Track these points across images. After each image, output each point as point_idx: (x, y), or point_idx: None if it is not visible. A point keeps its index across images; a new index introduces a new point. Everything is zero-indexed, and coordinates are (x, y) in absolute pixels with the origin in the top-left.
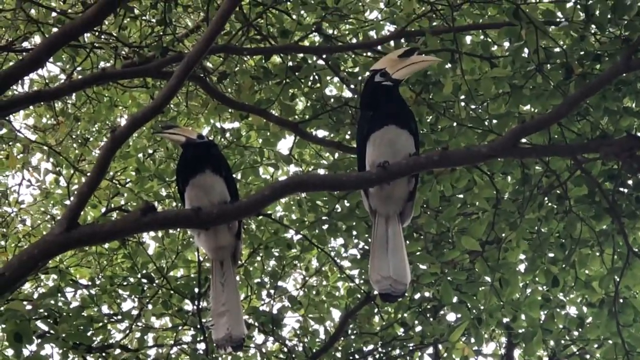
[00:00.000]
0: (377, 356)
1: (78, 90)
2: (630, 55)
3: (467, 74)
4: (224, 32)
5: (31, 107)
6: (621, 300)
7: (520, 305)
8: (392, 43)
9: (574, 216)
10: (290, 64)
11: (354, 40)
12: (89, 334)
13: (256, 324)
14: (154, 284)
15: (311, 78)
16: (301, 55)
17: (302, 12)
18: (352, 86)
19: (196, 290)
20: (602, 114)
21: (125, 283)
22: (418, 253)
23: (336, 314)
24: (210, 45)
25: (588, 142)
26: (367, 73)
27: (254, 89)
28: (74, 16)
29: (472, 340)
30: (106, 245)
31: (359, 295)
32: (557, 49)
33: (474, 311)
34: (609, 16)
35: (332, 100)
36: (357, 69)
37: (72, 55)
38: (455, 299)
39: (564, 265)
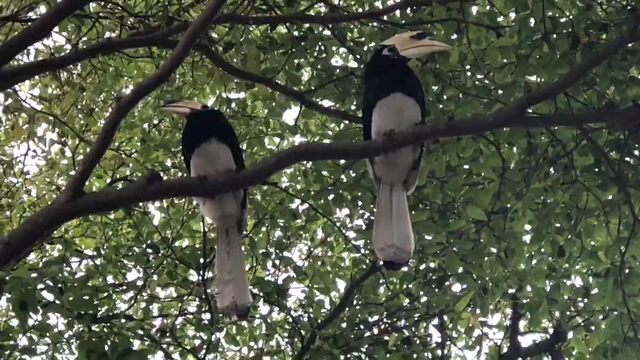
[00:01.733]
0: (382, 327)
1: (84, 60)
2: (636, 25)
3: (474, 44)
4: (230, 1)
5: (37, 77)
6: (627, 270)
7: (526, 275)
8: (397, 13)
9: (580, 186)
10: (296, 33)
11: (360, 10)
12: (94, 303)
13: (261, 294)
14: (159, 254)
15: (317, 48)
16: (307, 25)
17: None
18: (358, 56)
19: (201, 260)
20: (609, 84)
21: (130, 253)
22: (424, 223)
23: (341, 285)
24: (216, 15)
25: (595, 112)
26: (373, 44)
27: (260, 58)
28: None
29: (478, 310)
30: (111, 216)
31: (364, 266)
32: (564, 19)
33: (480, 281)
34: None
35: (338, 70)
36: (363, 39)
37: (77, 25)
38: (460, 269)
39: (569, 235)
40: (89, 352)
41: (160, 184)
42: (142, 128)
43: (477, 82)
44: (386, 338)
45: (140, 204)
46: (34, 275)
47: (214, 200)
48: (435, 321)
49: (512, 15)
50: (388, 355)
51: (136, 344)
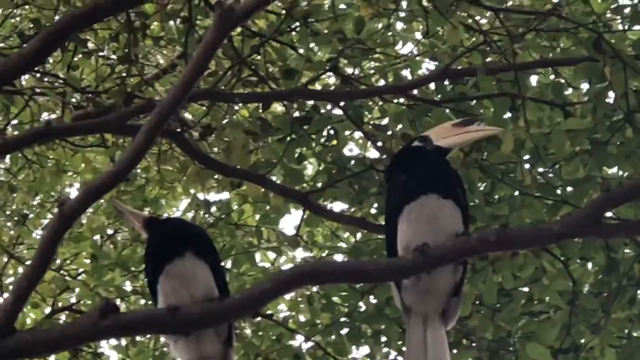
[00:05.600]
0: None
1: (14, 152)
2: None
3: (533, 126)
4: (209, 72)
5: None
6: None
7: None
8: (432, 86)
9: None
10: (296, 114)
11: (382, 83)
12: None
13: None
14: None
15: (325, 133)
16: (311, 102)
17: (313, 45)
18: (380, 143)
19: None
20: None
21: None
22: None
23: None
24: (190, 91)
25: None
26: (400, 126)
27: (249, 148)
28: (8, 52)
29: None
30: (52, 358)
31: None
32: None
33: None
34: None
35: (352, 162)
36: (385, 121)
37: (5, 105)
38: None
39: None
40: None
41: (116, 317)
42: (92, 241)
43: (538, 178)
44: None
45: (91, 343)
46: None
47: (190, 338)
48: None
49: (585, 87)
50: None
51: None
